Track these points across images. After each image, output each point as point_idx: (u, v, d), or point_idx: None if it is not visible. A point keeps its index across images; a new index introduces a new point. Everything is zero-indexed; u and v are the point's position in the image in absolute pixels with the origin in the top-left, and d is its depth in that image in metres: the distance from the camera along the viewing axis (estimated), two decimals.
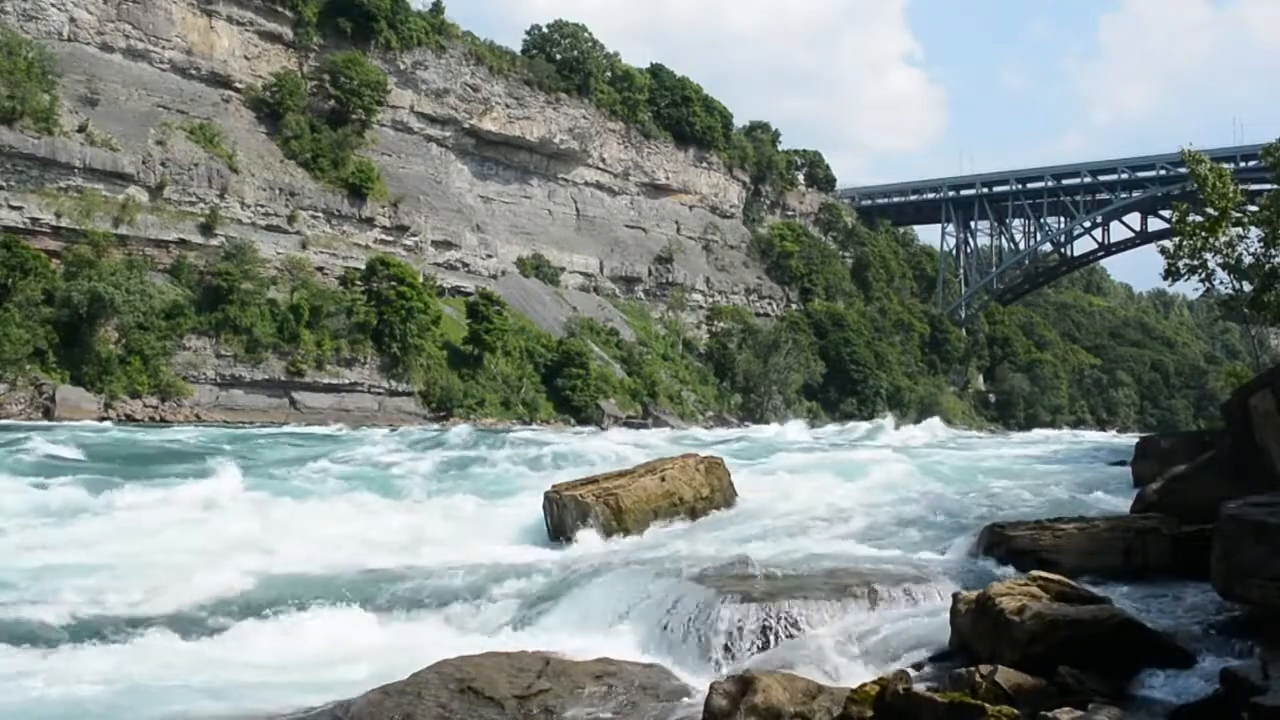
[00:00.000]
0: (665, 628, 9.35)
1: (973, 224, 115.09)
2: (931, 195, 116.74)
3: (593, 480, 15.52)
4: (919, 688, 6.33)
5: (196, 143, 62.58)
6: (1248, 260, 26.92)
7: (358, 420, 57.36)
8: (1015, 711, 5.87)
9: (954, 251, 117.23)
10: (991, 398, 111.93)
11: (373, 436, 37.08)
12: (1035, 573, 8.37)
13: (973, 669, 6.78)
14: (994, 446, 40.47)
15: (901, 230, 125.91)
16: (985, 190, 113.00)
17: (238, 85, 68.25)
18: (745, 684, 6.71)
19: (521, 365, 72.40)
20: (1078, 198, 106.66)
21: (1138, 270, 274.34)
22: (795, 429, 52.69)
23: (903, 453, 29.59)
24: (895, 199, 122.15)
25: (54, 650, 9.43)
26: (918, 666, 7.72)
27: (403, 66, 76.92)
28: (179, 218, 59.30)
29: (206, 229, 59.97)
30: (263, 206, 63.99)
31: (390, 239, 71.78)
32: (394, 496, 19.52)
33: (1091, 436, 66.31)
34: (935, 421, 62.26)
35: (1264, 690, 5.94)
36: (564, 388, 71.88)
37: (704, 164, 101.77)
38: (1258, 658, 6.68)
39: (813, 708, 6.52)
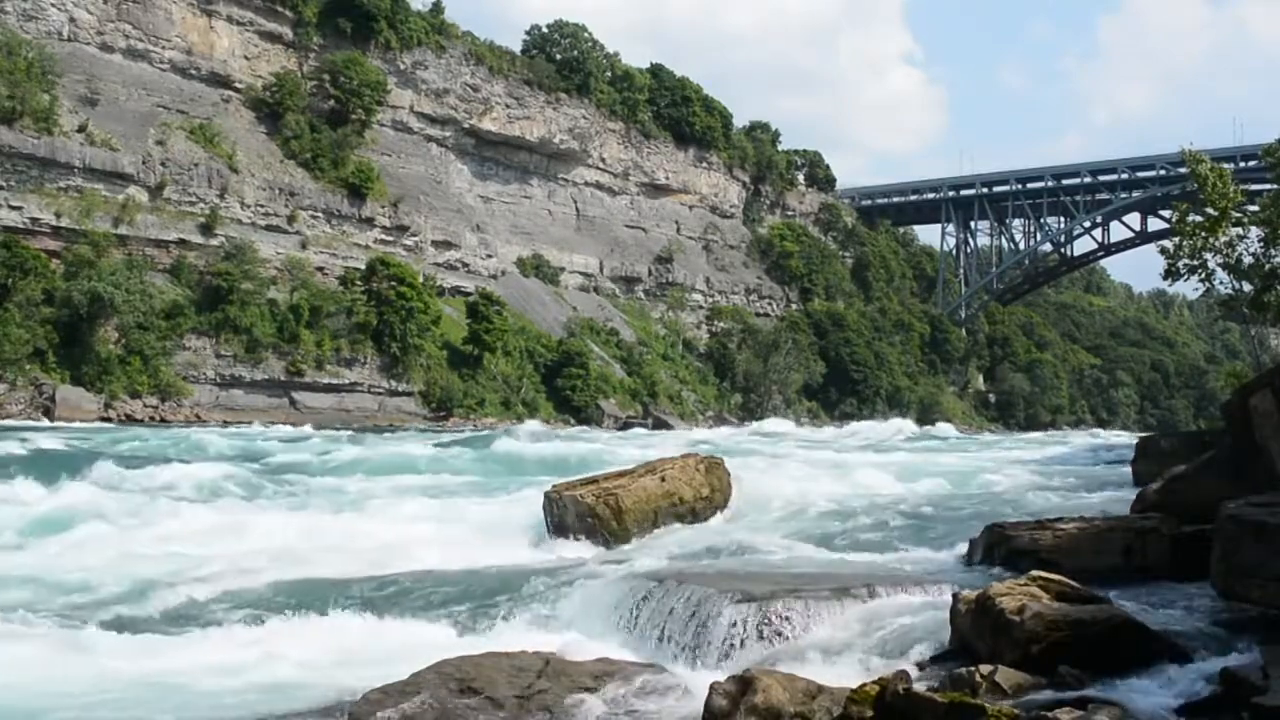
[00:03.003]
0: (665, 628, 9.34)
1: (973, 224, 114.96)
2: (931, 195, 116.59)
3: (593, 480, 15.45)
4: (919, 688, 6.33)
5: (196, 143, 62.54)
6: (1248, 260, 26.88)
7: (358, 420, 57.34)
8: (1015, 711, 5.86)
9: (954, 251, 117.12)
10: (991, 398, 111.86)
11: None
12: (1035, 573, 8.35)
13: (973, 669, 6.78)
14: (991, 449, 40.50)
15: (901, 230, 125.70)
16: (985, 190, 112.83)
17: (238, 85, 68.20)
18: (745, 684, 6.71)
19: (521, 365, 72.37)
20: (1078, 198, 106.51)
21: (1138, 270, 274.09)
22: (781, 425, 52.94)
23: (893, 455, 29.60)
24: (895, 199, 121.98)
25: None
26: (918, 666, 7.72)
27: (403, 66, 76.86)
28: (179, 218, 59.25)
29: (206, 229, 59.93)
30: (263, 206, 63.94)
31: (390, 239, 71.73)
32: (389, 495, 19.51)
33: (1072, 437, 66.08)
34: (947, 427, 62.98)
35: (1264, 690, 5.93)
36: (564, 388, 71.86)
37: (704, 164, 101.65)
38: (1258, 658, 6.68)
39: (813, 708, 6.52)
